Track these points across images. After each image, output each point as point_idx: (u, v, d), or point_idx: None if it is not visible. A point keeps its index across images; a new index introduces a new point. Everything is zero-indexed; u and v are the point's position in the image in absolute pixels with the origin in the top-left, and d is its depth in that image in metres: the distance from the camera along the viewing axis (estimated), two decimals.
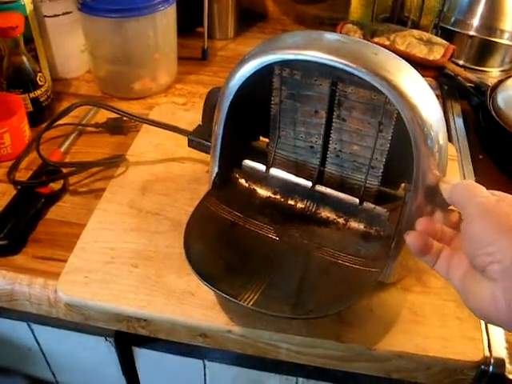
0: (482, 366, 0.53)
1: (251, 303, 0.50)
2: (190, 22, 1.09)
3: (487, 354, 0.54)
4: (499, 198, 0.41)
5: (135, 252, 0.61)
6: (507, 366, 0.54)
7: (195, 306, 0.56)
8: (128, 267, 0.59)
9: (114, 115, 0.82)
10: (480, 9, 1.02)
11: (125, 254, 0.60)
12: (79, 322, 0.62)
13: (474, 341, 0.54)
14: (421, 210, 0.50)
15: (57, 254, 0.63)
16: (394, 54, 0.50)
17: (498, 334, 0.56)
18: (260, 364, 0.68)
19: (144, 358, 0.72)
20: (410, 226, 0.48)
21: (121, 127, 0.82)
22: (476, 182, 0.72)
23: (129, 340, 0.69)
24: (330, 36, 0.51)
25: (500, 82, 0.91)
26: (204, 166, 0.72)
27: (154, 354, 0.70)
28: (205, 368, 0.70)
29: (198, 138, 0.68)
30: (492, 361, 0.54)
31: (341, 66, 0.47)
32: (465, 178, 0.76)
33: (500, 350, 0.55)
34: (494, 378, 0.54)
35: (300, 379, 0.68)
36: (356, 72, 0.47)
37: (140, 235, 0.63)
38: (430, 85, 0.50)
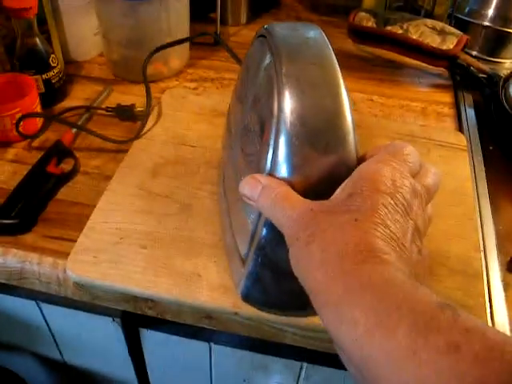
0: None
1: None
2: (202, 7, 1.08)
3: None
4: None
5: (144, 233, 0.61)
6: None
7: (202, 287, 0.56)
8: (136, 248, 0.59)
9: (124, 101, 0.83)
10: None
11: (133, 235, 0.61)
12: (87, 302, 0.63)
13: None
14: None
15: (67, 234, 0.63)
16: (334, 70, 0.46)
17: (502, 323, 0.57)
18: (266, 348, 0.69)
19: (150, 339, 0.72)
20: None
21: (131, 113, 0.82)
22: (486, 173, 0.74)
23: (136, 321, 0.70)
24: (314, 41, 0.49)
25: None
26: (214, 151, 0.72)
27: (160, 335, 0.71)
28: (210, 350, 0.71)
29: None
30: None
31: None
32: (475, 169, 0.76)
33: None
34: None
35: (305, 364, 0.69)
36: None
37: (149, 217, 0.63)
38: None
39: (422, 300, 0.31)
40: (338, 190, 0.41)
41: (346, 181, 0.41)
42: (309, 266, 0.36)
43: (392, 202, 0.38)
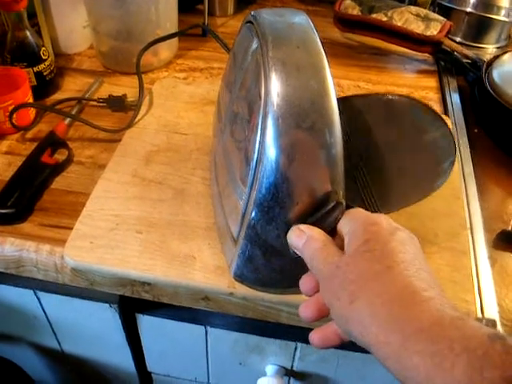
0: None
1: None
2: None
3: (479, 315, 0.56)
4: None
5: (139, 219, 0.62)
6: (498, 327, 0.57)
7: (198, 269, 0.57)
8: (132, 233, 0.61)
9: (115, 92, 0.83)
10: None
11: (129, 220, 0.62)
12: (84, 289, 0.64)
13: (467, 303, 0.56)
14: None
15: (63, 222, 0.64)
16: (318, 53, 0.48)
17: (489, 297, 0.58)
18: (260, 329, 0.70)
19: (147, 324, 0.74)
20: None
21: (122, 104, 0.83)
22: (471, 154, 0.76)
23: (132, 307, 0.71)
24: (299, 26, 0.51)
25: (496, 57, 0.92)
26: (205, 138, 0.74)
27: (156, 320, 0.72)
28: (206, 334, 0.72)
29: None
30: (484, 322, 0.56)
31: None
32: (460, 151, 0.77)
33: (492, 312, 0.57)
34: None
35: (299, 344, 0.70)
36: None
37: (144, 203, 0.64)
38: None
39: (473, 335, 0.32)
40: (349, 238, 0.42)
41: (349, 227, 0.43)
42: (361, 323, 0.37)
43: (399, 238, 0.41)
